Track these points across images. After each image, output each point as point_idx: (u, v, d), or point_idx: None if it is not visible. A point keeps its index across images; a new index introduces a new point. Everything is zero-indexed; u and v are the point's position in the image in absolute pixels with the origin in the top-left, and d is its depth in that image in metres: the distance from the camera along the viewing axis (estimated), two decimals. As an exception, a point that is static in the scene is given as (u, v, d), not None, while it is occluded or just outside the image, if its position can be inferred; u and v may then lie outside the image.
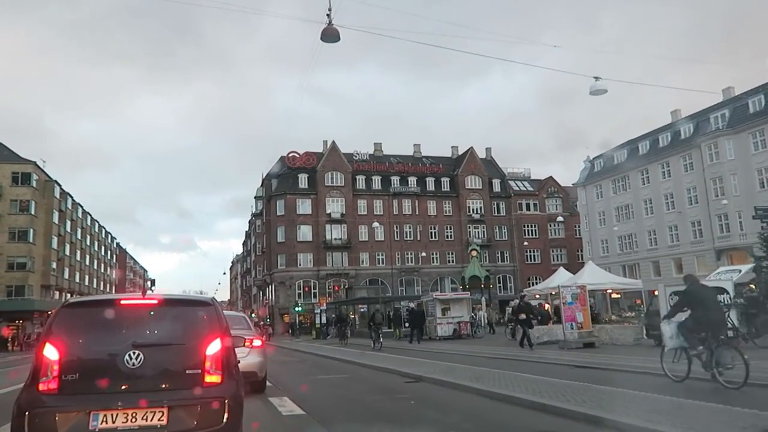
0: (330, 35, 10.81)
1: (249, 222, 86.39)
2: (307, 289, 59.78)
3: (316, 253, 60.66)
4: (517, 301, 21.11)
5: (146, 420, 3.83)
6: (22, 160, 54.84)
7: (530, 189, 70.52)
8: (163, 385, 3.98)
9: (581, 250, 61.79)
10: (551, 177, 71.71)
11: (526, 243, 65.76)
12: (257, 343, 9.39)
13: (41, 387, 3.85)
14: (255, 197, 74.27)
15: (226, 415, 3.98)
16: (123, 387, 3.89)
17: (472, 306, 28.92)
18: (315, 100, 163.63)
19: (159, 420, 3.84)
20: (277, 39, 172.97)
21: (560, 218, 56.94)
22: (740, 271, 20.23)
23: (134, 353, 3.93)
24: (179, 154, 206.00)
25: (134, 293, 5.33)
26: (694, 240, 46.84)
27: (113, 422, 3.79)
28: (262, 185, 69.15)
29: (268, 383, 10.11)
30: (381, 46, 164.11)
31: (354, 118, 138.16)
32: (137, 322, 4.22)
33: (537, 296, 26.91)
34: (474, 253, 49.06)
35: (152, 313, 4.31)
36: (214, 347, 4.16)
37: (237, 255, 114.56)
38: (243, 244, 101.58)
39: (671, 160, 49.02)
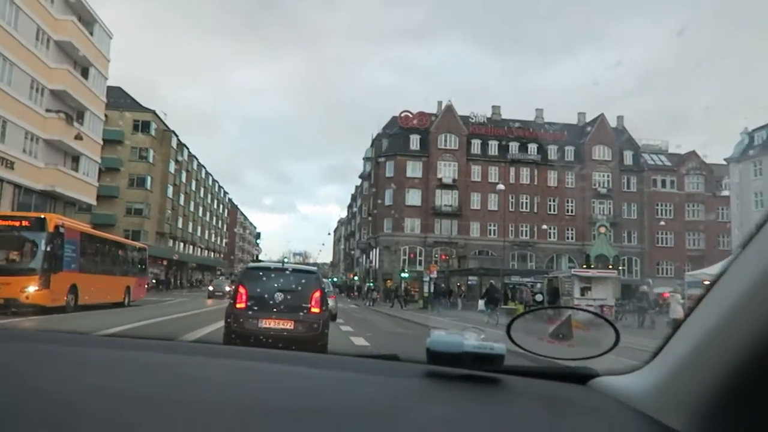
0: None
1: (356, 185, 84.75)
2: (412, 255, 56.75)
3: (424, 218, 57.31)
4: None
5: (283, 326, 8.21)
6: (142, 109, 55.65)
7: (667, 164, 62.39)
8: (292, 310, 8.33)
9: (725, 236, 53.77)
10: (694, 151, 62.91)
11: (663, 223, 58.19)
12: (332, 297, 17.17)
13: (237, 306, 8.33)
14: (363, 158, 72.00)
15: (321, 329, 8.40)
16: (274, 309, 8.25)
17: (618, 287, 23.99)
18: (414, 72, 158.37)
19: (289, 326, 8.24)
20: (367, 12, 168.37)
21: (726, 192, 48.69)
22: None
23: (279, 294, 8.34)
24: (276, 122, 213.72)
25: (278, 263, 12.75)
26: None
27: (269, 324, 8.16)
28: (372, 146, 66.57)
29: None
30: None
31: (470, 83, 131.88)
32: (280, 278, 8.92)
33: (705, 282, 21.86)
34: (602, 229, 43.43)
35: (287, 274, 9.22)
36: (316, 294, 8.59)
37: (341, 218, 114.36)
38: (348, 207, 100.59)
39: None
